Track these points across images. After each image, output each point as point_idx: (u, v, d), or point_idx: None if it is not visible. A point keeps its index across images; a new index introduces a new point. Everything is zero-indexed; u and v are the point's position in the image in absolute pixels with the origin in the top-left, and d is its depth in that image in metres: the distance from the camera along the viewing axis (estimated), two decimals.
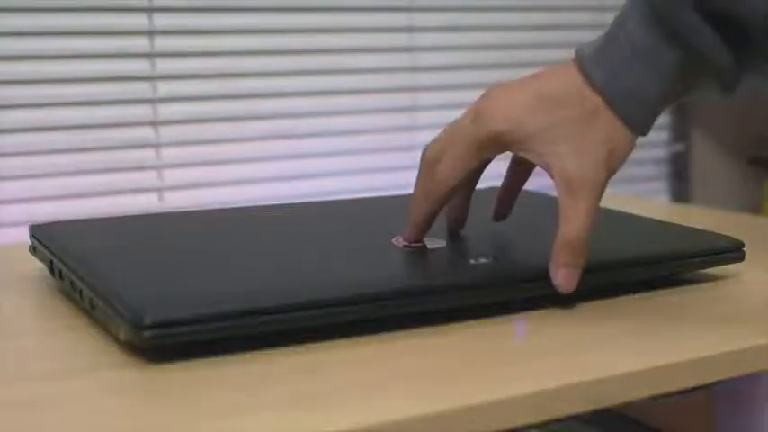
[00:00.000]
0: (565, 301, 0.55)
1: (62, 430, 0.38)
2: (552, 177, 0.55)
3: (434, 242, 0.60)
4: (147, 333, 0.45)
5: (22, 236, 0.64)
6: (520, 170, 0.64)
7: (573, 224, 0.54)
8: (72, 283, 0.54)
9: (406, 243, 0.59)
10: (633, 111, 0.55)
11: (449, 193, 0.57)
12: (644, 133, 0.56)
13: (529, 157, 0.56)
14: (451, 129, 0.58)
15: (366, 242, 0.60)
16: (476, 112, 0.57)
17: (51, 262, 0.58)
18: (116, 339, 0.48)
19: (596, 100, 0.55)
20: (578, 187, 0.54)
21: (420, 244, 0.59)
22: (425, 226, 0.59)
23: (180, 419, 0.39)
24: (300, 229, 0.64)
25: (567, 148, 0.54)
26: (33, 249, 0.62)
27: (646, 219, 0.71)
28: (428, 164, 0.57)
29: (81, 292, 0.52)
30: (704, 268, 0.62)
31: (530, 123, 0.55)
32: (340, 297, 0.50)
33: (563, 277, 0.54)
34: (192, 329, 0.46)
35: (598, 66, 0.55)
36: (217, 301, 0.48)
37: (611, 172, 0.55)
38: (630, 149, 0.56)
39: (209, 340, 0.47)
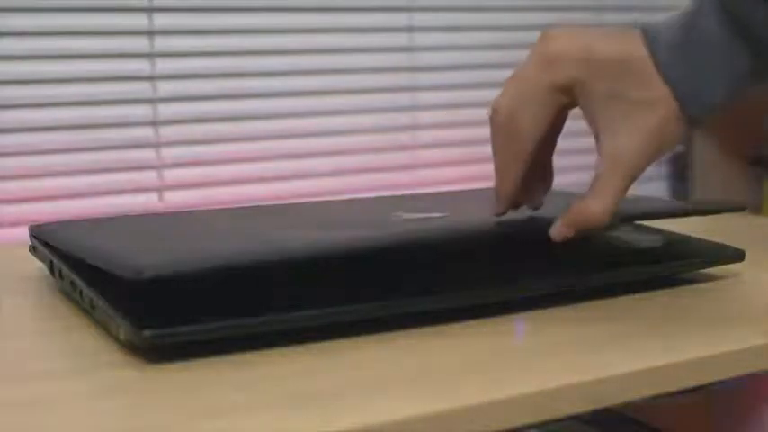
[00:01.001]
0: (566, 300, 0.55)
1: (62, 430, 0.38)
2: (598, 146, 0.55)
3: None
4: (147, 333, 0.45)
5: (22, 236, 0.64)
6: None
7: (601, 200, 0.54)
8: (72, 282, 0.54)
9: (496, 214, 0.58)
10: (697, 111, 0.55)
11: (535, 149, 0.56)
12: (697, 128, 0.56)
13: (585, 114, 0.55)
14: (518, 81, 0.56)
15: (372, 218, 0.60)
16: (545, 58, 0.55)
17: (51, 262, 0.58)
18: (116, 339, 0.48)
19: (665, 90, 0.54)
20: (621, 168, 0.54)
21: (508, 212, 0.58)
22: (516, 192, 0.57)
23: (180, 420, 0.39)
24: (306, 227, 0.64)
25: (623, 125, 0.54)
26: (33, 249, 0.62)
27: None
28: (504, 124, 0.55)
29: (81, 292, 0.52)
30: (704, 268, 0.62)
31: (601, 82, 0.54)
32: (336, 249, 0.49)
33: (560, 235, 0.55)
34: (191, 329, 0.46)
35: (672, 58, 0.54)
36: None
37: (654, 161, 0.55)
38: (678, 143, 0.56)
39: (209, 340, 0.47)
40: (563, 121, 0.59)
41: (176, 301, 0.48)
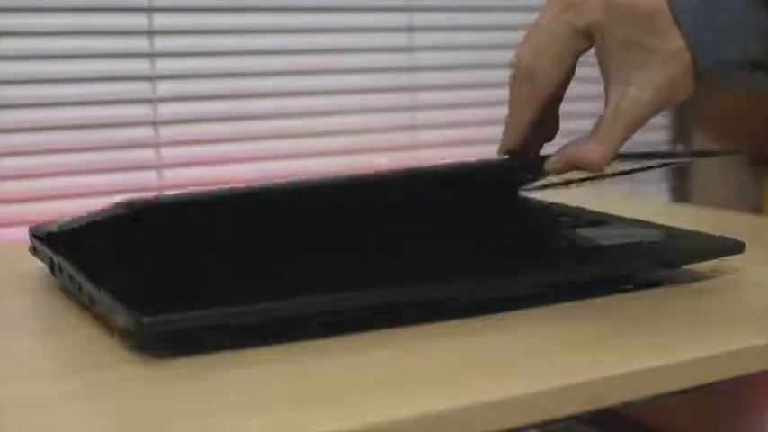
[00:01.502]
0: (567, 299, 0.55)
1: (62, 430, 0.38)
2: (607, 92, 0.55)
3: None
4: (147, 320, 0.44)
5: (22, 236, 0.64)
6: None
7: (602, 145, 0.54)
8: (71, 277, 0.54)
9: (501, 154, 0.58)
10: (709, 65, 0.55)
11: (551, 95, 0.56)
12: (705, 84, 0.56)
13: (599, 59, 0.55)
14: (539, 27, 0.56)
15: None
16: (567, 1, 0.55)
17: (51, 260, 0.58)
18: (115, 331, 0.48)
19: (680, 43, 0.54)
20: (626, 116, 0.54)
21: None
22: (524, 135, 0.57)
23: (180, 419, 0.39)
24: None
25: (635, 75, 0.54)
26: (33, 249, 0.62)
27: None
28: (525, 70, 0.56)
29: (80, 286, 0.52)
30: (705, 260, 0.62)
31: (621, 28, 0.54)
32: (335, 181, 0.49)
33: (554, 168, 0.55)
34: (191, 316, 0.45)
35: (690, 11, 0.54)
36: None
37: (658, 114, 0.55)
38: (685, 98, 0.56)
39: (209, 329, 0.46)
40: (572, 75, 0.59)
41: (176, 289, 0.47)
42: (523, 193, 0.69)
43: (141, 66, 1.44)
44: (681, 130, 1.90)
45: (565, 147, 0.56)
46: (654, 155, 0.63)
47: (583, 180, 0.67)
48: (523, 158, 0.58)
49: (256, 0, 1.51)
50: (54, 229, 0.61)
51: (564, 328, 0.52)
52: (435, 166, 0.54)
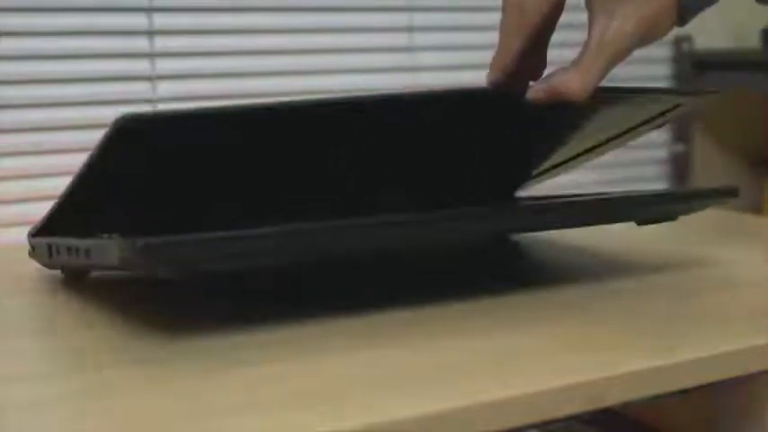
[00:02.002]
0: (567, 298, 0.55)
1: (62, 430, 0.38)
2: (590, 24, 0.56)
3: None
4: (140, 242, 0.43)
5: (22, 236, 0.64)
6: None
7: (582, 77, 0.55)
8: (68, 248, 0.53)
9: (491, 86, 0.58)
10: (692, 9, 0.56)
11: (541, 25, 0.57)
12: (682, 25, 0.57)
13: None
14: None
15: None
16: None
17: (49, 246, 0.57)
18: (115, 257, 0.47)
19: None
20: (608, 48, 0.55)
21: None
22: (512, 66, 0.58)
23: (180, 419, 0.39)
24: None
25: (620, 7, 0.55)
26: (32, 250, 0.62)
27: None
28: (512, 2, 0.57)
29: (77, 249, 0.52)
30: (700, 209, 0.62)
31: None
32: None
33: (535, 98, 0.55)
34: (185, 239, 0.44)
35: None
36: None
37: (639, 48, 0.56)
38: (665, 36, 0.57)
39: (205, 254, 0.45)
40: (561, 10, 0.59)
41: (170, 219, 0.47)
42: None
43: (141, 66, 1.44)
44: (682, 131, 1.90)
45: (547, 77, 0.56)
46: (637, 90, 0.63)
47: (580, 155, 0.67)
48: (508, 87, 0.58)
49: (256, 0, 1.51)
50: (47, 216, 0.60)
51: (564, 327, 0.52)
52: (424, 91, 0.53)
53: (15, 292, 0.60)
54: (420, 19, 1.66)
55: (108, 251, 0.47)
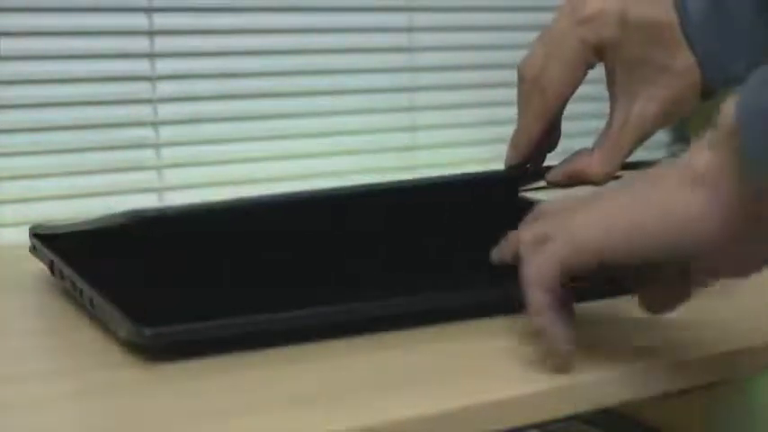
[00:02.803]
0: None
1: (62, 430, 0.38)
2: (612, 107, 0.55)
3: None
4: (148, 331, 0.45)
5: (22, 236, 0.64)
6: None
7: (605, 159, 0.55)
8: (72, 282, 0.54)
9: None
10: (718, 83, 0.55)
11: (562, 107, 0.56)
12: (707, 100, 0.56)
13: (608, 74, 0.56)
14: (549, 39, 0.56)
15: None
16: (580, 16, 0.55)
17: (52, 262, 0.58)
18: (116, 339, 0.48)
19: (690, 60, 0.55)
20: (632, 131, 0.55)
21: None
22: (532, 147, 0.57)
23: (180, 419, 0.39)
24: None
25: (644, 90, 0.55)
26: (33, 249, 0.62)
27: None
28: (531, 80, 0.56)
29: (81, 291, 0.52)
30: None
31: (632, 46, 0.55)
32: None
33: (556, 180, 0.56)
34: (192, 328, 0.46)
35: (700, 27, 0.54)
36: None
37: (663, 128, 0.56)
38: (689, 113, 0.56)
39: (210, 339, 0.47)
40: (580, 84, 0.59)
41: (177, 300, 0.48)
42: (526, 197, 0.69)
43: (141, 66, 1.44)
44: (681, 131, 1.90)
45: (567, 159, 0.56)
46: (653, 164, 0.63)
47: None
48: (527, 169, 0.59)
49: (256, 0, 1.51)
50: (55, 230, 0.61)
51: None
52: (438, 177, 0.54)
53: (16, 291, 0.60)
54: (420, 19, 1.65)
55: (113, 319, 0.47)
